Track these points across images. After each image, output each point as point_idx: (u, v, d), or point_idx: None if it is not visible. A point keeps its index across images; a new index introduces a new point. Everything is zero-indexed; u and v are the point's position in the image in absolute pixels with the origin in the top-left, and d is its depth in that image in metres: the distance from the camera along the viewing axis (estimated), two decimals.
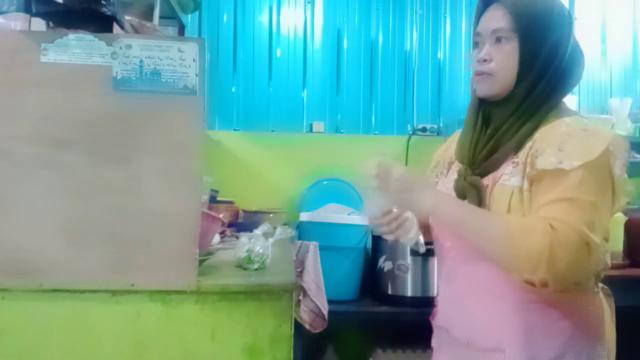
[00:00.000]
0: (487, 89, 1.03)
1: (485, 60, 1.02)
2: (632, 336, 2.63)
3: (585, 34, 3.11)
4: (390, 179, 0.98)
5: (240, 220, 2.45)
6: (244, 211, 2.53)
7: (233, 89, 2.90)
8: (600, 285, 1.04)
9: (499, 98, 1.02)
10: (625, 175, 0.94)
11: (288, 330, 1.15)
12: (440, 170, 1.21)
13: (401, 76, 2.97)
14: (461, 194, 1.03)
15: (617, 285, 2.44)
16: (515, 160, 0.99)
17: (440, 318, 1.13)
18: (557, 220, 0.86)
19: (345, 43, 2.95)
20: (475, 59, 1.04)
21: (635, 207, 2.68)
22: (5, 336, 1.10)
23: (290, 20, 2.94)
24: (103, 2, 1.16)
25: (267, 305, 1.14)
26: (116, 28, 1.22)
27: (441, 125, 2.95)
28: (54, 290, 1.11)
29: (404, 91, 2.96)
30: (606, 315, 1.02)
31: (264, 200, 2.65)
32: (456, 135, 1.18)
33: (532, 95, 0.99)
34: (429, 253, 2.54)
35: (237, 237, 1.61)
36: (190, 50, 1.13)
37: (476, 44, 1.07)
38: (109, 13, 1.18)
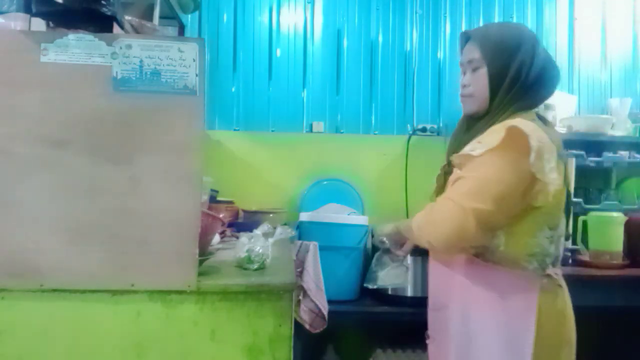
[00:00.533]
0: (469, 108, 1.30)
1: (465, 86, 1.30)
2: (632, 336, 2.63)
3: (585, 34, 3.11)
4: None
5: (240, 220, 2.45)
6: (244, 211, 2.53)
7: (233, 89, 2.90)
8: (554, 273, 1.21)
9: (480, 114, 1.28)
10: (551, 168, 1.11)
11: (288, 330, 1.15)
12: None
13: (401, 76, 2.97)
14: (439, 184, 1.34)
15: (617, 285, 2.46)
16: None
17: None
18: (443, 197, 1.17)
19: (345, 43, 2.95)
20: (462, 85, 1.32)
21: (635, 207, 2.68)
22: (5, 336, 1.10)
23: (290, 20, 2.94)
24: (103, 2, 1.16)
25: (267, 305, 1.14)
26: (116, 28, 1.22)
27: (441, 125, 2.95)
28: (54, 290, 1.11)
29: (404, 91, 2.96)
30: (544, 297, 1.18)
31: (264, 200, 2.65)
32: None
33: (502, 109, 1.22)
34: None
35: (237, 237, 1.61)
36: (190, 50, 1.13)
37: (463, 72, 1.33)
38: (109, 13, 1.18)
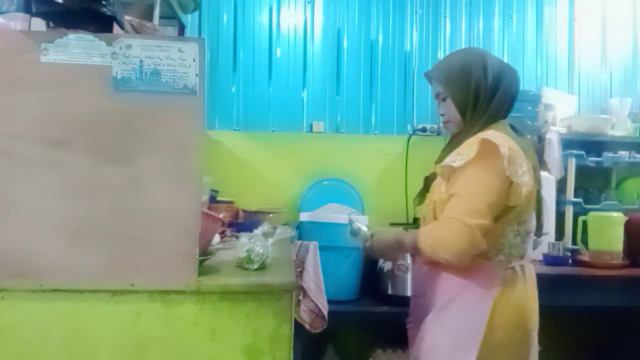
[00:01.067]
0: (451, 131, 1.50)
1: (442, 115, 1.50)
2: (632, 336, 2.63)
3: (585, 34, 3.11)
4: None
5: (240, 220, 2.45)
6: (244, 211, 2.53)
7: (233, 89, 2.90)
8: (519, 266, 1.36)
9: (462, 131, 1.45)
10: (523, 171, 1.27)
11: (288, 330, 1.15)
12: None
13: (401, 76, 2.97)
14: (424, 186, 1.51)
15: (617, 285, 2.46)
16: None
17: None
18: (444, 217, 1.30)
19: (345, 43, 2.95)
20: (439, 114, 1.52)
21: (635, 207, 2.68)
22: (5, 336, 1.10)
23: (290, 20, 2.94)
24: (103, 2, 1.16)
25: (267, 305, 1.14)
26: (116, 28, 1.22)
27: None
28: (54, 290, 1.11)
29: (404, 91, 2.96)
30: (504, 288, 1.33)
31: (264, 200, 2.65)
32: None
33: (474, 124, 1.40)
34: None
35: (237, 237, 1.61)
36: (190, 50, 1.13)
37: (437, 105, 1.53)
38: (109, 13, 1.18)
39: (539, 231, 1.45)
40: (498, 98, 1.40)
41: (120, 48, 1.12)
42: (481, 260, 1.32)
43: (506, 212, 1.31)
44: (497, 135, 1.31)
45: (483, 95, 1.40)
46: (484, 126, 1.39)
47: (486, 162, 1.27)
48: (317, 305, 1.95)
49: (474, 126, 1.40)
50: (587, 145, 2.72)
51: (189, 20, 2.78)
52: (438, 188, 1.40)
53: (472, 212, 1.24)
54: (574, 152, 2.65)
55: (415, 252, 1.40)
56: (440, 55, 3.01)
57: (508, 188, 1.28)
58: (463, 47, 3.03)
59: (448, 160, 1.34)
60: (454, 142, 1.45)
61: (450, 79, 1.44)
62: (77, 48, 1.11)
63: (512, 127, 1.44)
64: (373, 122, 2.93)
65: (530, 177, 1.30)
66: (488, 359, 1.29)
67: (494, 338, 1.29)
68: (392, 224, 2.62)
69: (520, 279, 1.35)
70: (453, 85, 1.43)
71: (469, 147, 1.31)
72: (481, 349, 1.28)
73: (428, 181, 1.50)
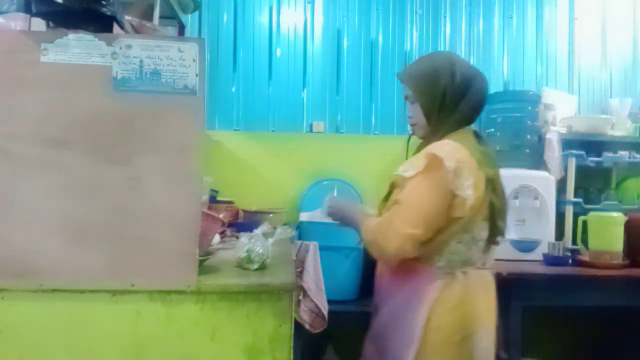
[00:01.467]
0: (418, 134, 1.53)
1: (410, 117, 1.53)
2: (632, 336, 2.63)
3: (585, 34, 3.11)
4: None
5: (240, 220, 2.45)
6: (244, 211, 2.53)
7: (233, 89, 2.90)
8: (461, 272, 1.40)
9: (427, 136, 1.48)
10: (469, 185, 1.32)
11: (288, 330, 1.15)
12: None
13: None
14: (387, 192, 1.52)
15: (617, 285, 2.45)
16: None
17: None
18: (382, 219, 1.37)
19: (345, 43, 2.95)
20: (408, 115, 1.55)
21: (635, 207, 2.68)
22: (5, 336, 1.10)
23: (290, 20, 2.94)
24: (103, 2, 1.16)
25: (267, 305, 1.14)
26: (116, 28, 1.22)
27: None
28: (54, 290, 1.11)
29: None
30: (443, 291, 1.39)
31: (264, 200, 2.65)
32: None
33: (437, 131, 1.44)
34: None
35: (237, 237, 1.61)
36: (190, 50, 1.13)
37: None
38: (109, 13, 1.18)
39: (492, 237, 1.44)
40: (464, 104, 1.43)
41: (120, 48, 1.12)
42: (422, 265, 1.40)
43: (451, 223, 1.35)
44: (449, 145, 1.36)
45: (449, 101, 1.43)
46: (449, 131, 1.43)
47: (431, 175, 1.33)
48: (317, 305, 1.95)
49: (439, 131, 1.44)
50: (587, 145, 2.72)
51: (189, 20, 2.78)
52: (396, 192, 1.45)
53: (407, 221, 1.31)
54: (574, 152, 2.65)
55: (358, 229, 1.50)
56: None
57: (452, 200, 1.33)
58: (463, 47, 3.04)
59: (401, 169, 1.41)
60: (420, 147, 1.51)
61: (418, 83, 1.47)
62: (77, 48, 1.11)
63: (477, 134, 1.48)
64: (373, 122, 2.93)
65: (476, 190, 1.34)
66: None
67: (430, 340, 1.35)
68: None
69: (460, 284, 1.39)
70: (420, 90, 1.46)
71: (420, 159, 1.37)
72: (418, 349, 1.35)
73: (392, 187, 1.52)
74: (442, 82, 1.42)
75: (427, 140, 1.48)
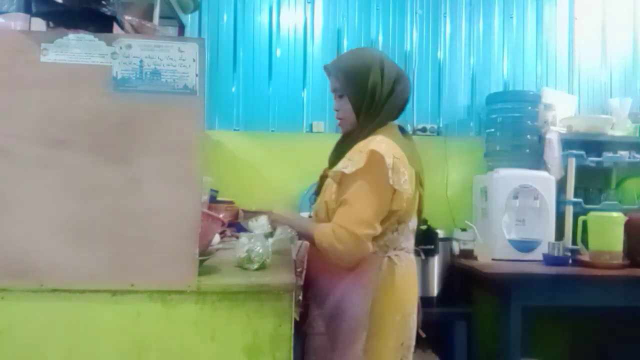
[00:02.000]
0: (344, 129, 1.56)
1: (337, 111, 1.54)
2: (632, 336, 2.63)
3: (585, 34, 3.11)
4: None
5: (240, 220, 2.45)
6: (244, 211, 2.53)
7: (233, 89, 2.90)
8: (394, 255, 1.46)
9: (354, 131, 1.51)
10: (405, 180, 1.38)
11: (288, 330, 1.15)
12: None
13: None
14: (318, 185, 1.58)
15: (617, 285, 2.46)
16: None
17: None
18: (336, 224, 1.37)
19: (345, 43, 2.95)
20: (334, 109, 1.55)
21: (635, 207, 2.68)
22: (5, 336, 1.10)
23: (290, 20, 2.94)
24: (103, 2, 1.16)
25: (267, 305, 1.14)
26: (116, 28, 1.22)
27: (441, 125, 2.95)
28: (54, 290, 1.10)
29: None
30: (382, 273, 1.44)
31: (264, 200, 2.65)
32: None
33: (366, 126, 1.47)
34: (429, 253, 2.54)
35: (237, 237, 1.61)
36: (190, 50, 1.13)
37: (334, 99, 1.55)
38: (109, 13, 1.18)
39: (418, 226, 1.58)
40: (391, 102, 1.48)
41: (120, 48, 1.12)
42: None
43: (390, 215, 1.41)
44: (384, 142, 1.40)
45: (378, 98, 1.46)
46: (376, 127, 1.47)
47: (373, 172, 1.36)
48: None
49: (367, 127, 1.47)
50: (587, 145, 2.72)
51: (189, 20, 2.78)
52: (329, 189, 1.48)
53: (362, 223, 1.35)
54: (574, 152, 2.65)
55: (303, 235, 1.54)
56: (441, 55, 3.01)
57: (392, 195, 1.38)
58: (463, 47, 3.04)
59: (340, 165, 1.42)
60: (347, 141, 1.52)
61: (349, 77, 1.48)
62: (77, 48, 1.11)
63: (401, 129, 1.54)
64: None
65: (410, 185, 1.41)
66: (376, 346, 1.40)
67: (378, 324, 1.41)
68: None
69: (397, 266, 1.45)
70: (351, 85, 1.47)
71: (359, 155, 1.39)
72: (368, 336, 1.39)
73: (322, 180, 1.56)
74: (372, 79, 1.45)
75: (353, 135, 1.50)
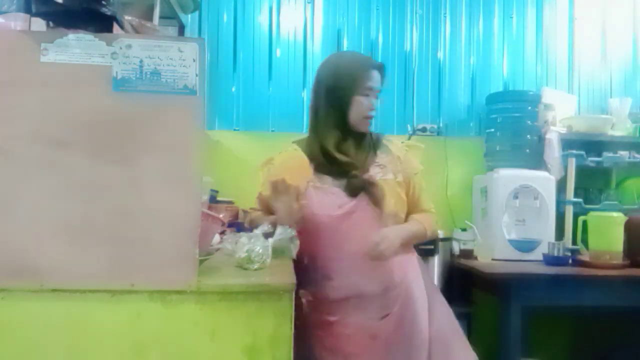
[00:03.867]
0: (368, 128, 1.72)
1: (373, 110, 1.65)
2: (633, 336, 2.63)
3: (585, 34, 3.11)
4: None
5: (240, 220, 2.45)
6: (244, 211, 2.53)
7: (233, 89, 2.90)
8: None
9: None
10: None
11: (288, 330, 1.15)
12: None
13: (401, 76, 2.97)
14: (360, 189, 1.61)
15: (617, 285, 2.46)
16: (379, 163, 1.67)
17: None
18: (432, 211, 1.72)
19: (345, 43, 2.95)
20: (371, 108, 1.64)
21: (635, 207, 2.68)
22: (5, 336, 1.10)
23: (290, 20, 2.94)
24: (103, 2, 1.16)
25: (267, 305, 1.14)
26: (116, 28, 1.22)
27: (441, 125, 2.95)
28: (54, 290, 1.10)
29: (404, 91, 2.96)
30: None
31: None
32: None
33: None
34: (429, 254, 2.54)
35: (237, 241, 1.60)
36: (190, 50, 1.13)
37: (373, 97, 1.64)
38: (109, 13, 1.18)
39: None
40: None
41: (120, 48, 1.12)
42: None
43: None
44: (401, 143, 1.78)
45: None
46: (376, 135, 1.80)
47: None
48: None
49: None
50: (587, 145, 2.72)
51: (189, 20, 2.78)
52: (393, 189, 1.60)
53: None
54: (574, 152, 2.65)
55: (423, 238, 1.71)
56: (440, 55, 3.01)
57: None
58: (463, 47, 3.04)
59: (406, 166, 1.66)
60: (359, 139, 1.68)
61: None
62: (77, 48, 1.11)
63: None
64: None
65: None
66: None
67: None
68: None
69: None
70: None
71: (404, 151, 1.69)
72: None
73: (355, 181, 1.63)
74: None
75: (369, 133, 1.71)
